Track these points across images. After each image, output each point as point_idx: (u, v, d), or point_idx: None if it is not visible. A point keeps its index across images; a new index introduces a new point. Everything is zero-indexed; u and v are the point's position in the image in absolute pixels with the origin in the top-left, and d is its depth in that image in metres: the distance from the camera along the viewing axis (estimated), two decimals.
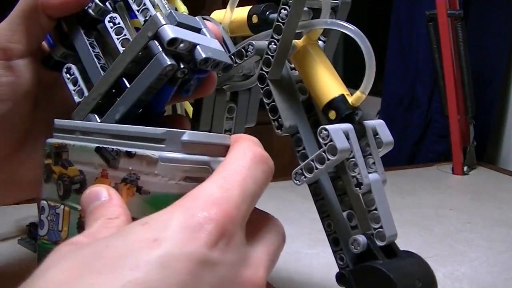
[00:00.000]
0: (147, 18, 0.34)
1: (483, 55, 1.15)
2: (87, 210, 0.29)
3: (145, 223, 0.24)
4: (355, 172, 0.38)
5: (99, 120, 0.35)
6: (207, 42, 0.35)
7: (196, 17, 0.37)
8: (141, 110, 0.35)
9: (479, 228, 0.71)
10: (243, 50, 0.42)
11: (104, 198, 0.29)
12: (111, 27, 0.36)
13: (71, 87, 0.37)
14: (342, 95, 0.40)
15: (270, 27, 0.41)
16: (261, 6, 0.44)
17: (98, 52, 0.37)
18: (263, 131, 0.62)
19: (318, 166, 0.39)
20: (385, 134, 0.40)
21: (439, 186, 0.93)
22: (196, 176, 0.29)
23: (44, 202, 0.34)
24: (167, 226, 0.24)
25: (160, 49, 0.32)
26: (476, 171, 1.02)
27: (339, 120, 0.39)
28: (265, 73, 0.41)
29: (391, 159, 0.52)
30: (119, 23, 0.36)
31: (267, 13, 0.44)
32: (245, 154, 0.28)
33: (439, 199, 0.84)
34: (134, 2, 0.36)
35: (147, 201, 0.30)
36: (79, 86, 0.37)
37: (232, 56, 0.43)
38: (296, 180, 0.41)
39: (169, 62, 0.32)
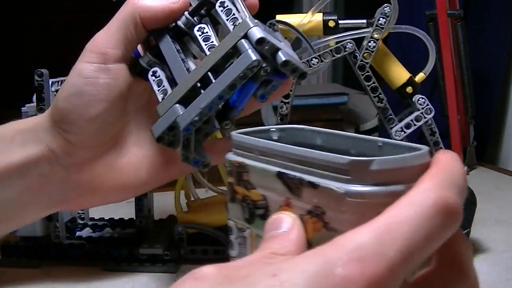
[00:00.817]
0: (236, 24, 0.38)
1: (483, 55, 1.15)
2: (264, 237, 0.26)
3: (274, 275, 0.20)
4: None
5: (180, 112, 0.37)
6: (288, 50, 0.38)
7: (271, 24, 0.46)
8: (222, 104, 0.38)
9: (479, 228, 0.71)
10: (341, 47, 0.60)
11: (285, 229, 0.26)
12: (200, 35, 0.40)
13: (155, 87, 0.40)
14: (412, 77, 0.62)
15: (341, 31, 0.60)
16: (332, 13, 0.62)
17: (184, 58, 0.40)
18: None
19: (416, 123, 0.60)
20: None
21: None
22: None
23: (231, 222, 0.31)
24: (297, 283, 0.20)
25: (249, 47, 0.36)
26: (476, 171, 1.02)
27: (415, 93, 0.61)
28: (365, 63, 0.60)
29: None
30: (207, 32, 0.40)
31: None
32: (427, 197, 0.22)
33: None
34: (223, 12, 0.39)
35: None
36: (163, 86, 0.40)
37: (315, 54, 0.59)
38: (396, 136, 0.60)
39: (256, 58, 0.35)
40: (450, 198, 0.22)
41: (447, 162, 0.24)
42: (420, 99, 0.61)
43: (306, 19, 0.61)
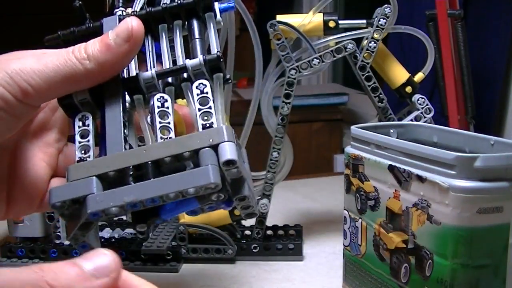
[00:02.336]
0: (207, 123, 0.32)
1: (483, 55, 1.15)
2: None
3: None
4: None
5: (94, 191, 0.30)
6: (250, 181, 0.33)
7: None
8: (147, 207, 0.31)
9: None
10: (342, 47, 0.60)
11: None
12: (158, 107, 0.33)
13: (78, 138, 0.34)
14: (411, 77, 0.62)
15: (341, 31, 0.61)
16: (333, 14, 0.61)
17: (126, 121, 0.34)
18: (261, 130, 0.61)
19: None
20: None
21: None
22: (493, 206, 0.26)
23: (346, 212, 0.34)
24: None
25: (212, 162, 0.30)
26: None
27: (414, 92, 0.61)
28: (366, 64, 0.60)
29: None
30: (167, 108, 0.33)
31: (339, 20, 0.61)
32: None
33: None
34: (198, 97, 0.33)
35: (437, 232, 0.28)
36: (87, 140, 0.33)
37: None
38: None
39: (216, 181, 0.29)
40: None
41: None
42: (420, 99, 0.61)
43: (307, 20, 0.61)
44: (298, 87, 0.63)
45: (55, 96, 0.34)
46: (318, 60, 0.60)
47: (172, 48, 0.37)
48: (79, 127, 0.34)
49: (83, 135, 0.34)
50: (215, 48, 0.36)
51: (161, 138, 0.32)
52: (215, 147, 0.30)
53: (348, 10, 1.94)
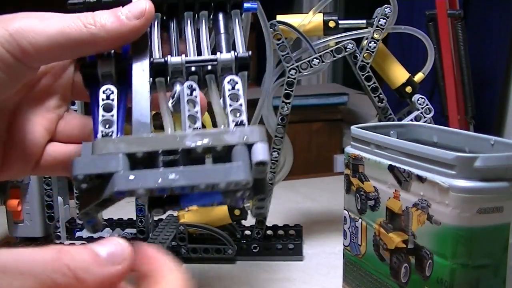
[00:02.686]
0: (237, 118, 0.32)
1: (483, 55, 1.15)
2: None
3: None
4: None
5: (121, 170, 0.29)
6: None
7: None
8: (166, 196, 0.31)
9: None
10: (342, 47, 0.60)
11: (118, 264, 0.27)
12: (188, 95, 0.33)
13: (101, 111, 0.32)
14: (411, 77, 0.62)
15: (341, 31, 0.61)
16: (333, 14, 0.62)
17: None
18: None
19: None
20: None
21: None
22: (493, 206, 0.27)
23: (346, 212, 0.34)
24: None
25: (245, 160, 0.29)
26: None
27: (414, 92, 0.62)
28: (366, 64, 0.60)
29: None
30: (195, 97, 0.33)
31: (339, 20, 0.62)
32: None
33: None
34: (229, 92, 0.33)
35: (437, 232, 0.28)
36: (112, 115, 0.32)
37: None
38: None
39: (248, 178, 0.29)
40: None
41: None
42: (420, 99, 0.61)
43: (307, 20, 0.61)
44: (298, 87, 0.63)
45: (55, 59, 0.34)
46: (318, 60, 0.60)
47: (180, 35, 0.37)
48: (103, 99, 0.33)
49: (107, 109, 0.32)
50: (240, 46, 0.36)
51: (189, 127, 0.32)
52: (248, 146, 0.30)
53: (348, 10, 1.94)
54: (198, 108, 0.32)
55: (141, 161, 0.30)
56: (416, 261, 0.36)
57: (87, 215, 0.31)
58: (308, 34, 0.61)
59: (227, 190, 0.29)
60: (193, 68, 0.35)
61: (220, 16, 0.37)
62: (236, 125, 0.32)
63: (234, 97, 0.33)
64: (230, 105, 0.32)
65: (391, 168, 0.31)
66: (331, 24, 0.61)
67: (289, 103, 0.61)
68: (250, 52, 0.35)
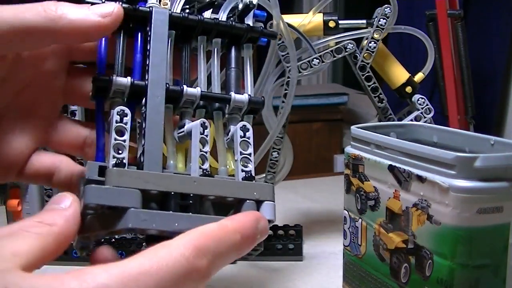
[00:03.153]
0: (246, 167, 0.32)
1: (483, 55, 1.15)
2: (44, 208, 0.28)
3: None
4: None
5: (137, 205, 0.29)
6: None
7: None
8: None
9: None
10: (342, 47, 0.61)
11: (62, 205, 0.28)
12: (200, 133, 0.32)
13: (113, 134, 0.31)
14: (411, 77, 0.63)
15: (341, 31, 0.61)
16: (333, 14, 0.62)
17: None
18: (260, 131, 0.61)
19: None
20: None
21: None
22: (493, 206, 0.27)
23: (346, 212, 0.34)
24: None
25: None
26: None
27: (414, 92, 0.62)
28: (366, 64, 0.60)
29: None
30: (207, 136, 0.33)
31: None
32: (181, 257, 0.25)
33: None
34: (241, 140, 0.33)
35: (437, 232, 0.28)
36: (124, 140, 0.31)
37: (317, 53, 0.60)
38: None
39: None
40: (201, 264, 0.25)
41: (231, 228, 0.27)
42: (420, 99, 0.61)
43: (307, 20, 0.61)
44: (298, 87, 0.63)
45: (12, 47, 0.31)
46: (318, 60, 0.60)
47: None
48: (116, 121, 0.31)
49: (119, 133, 0.31)
50: (249, 88, 0.36)
51: (199, 168, 0.32)
52: (257, 202, 0.31)
53: (348, 10, 1.94)
54: (208, 148, 0.32)
55: (153, 199, 0.30)
56: (416, 261, 0.36)
57: (84, 238, 0.31)
58: (308, 34, 0.61)
59: None
60: (201, 102, 0.34)
61: (233, 49, 0.36)
62: (245, 176, 0.32)
63: (245, 145, 0.33)
64: (241, 153, 0.32)
65: (391, 168, 0.31)
66: (331, 24, 0.62)
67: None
68: (263, 98, 0.35)
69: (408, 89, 0.63)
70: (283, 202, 0.82)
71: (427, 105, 0.62)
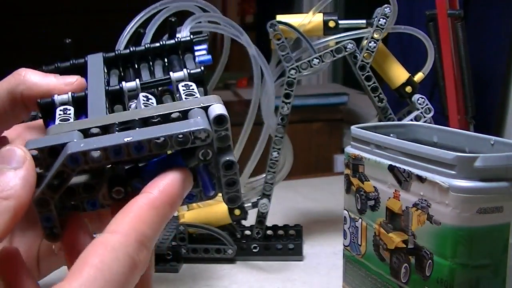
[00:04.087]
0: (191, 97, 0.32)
1: (483, 55, 1.15)
2: None
3: None
4: None
5: (75, 139, 0.28)
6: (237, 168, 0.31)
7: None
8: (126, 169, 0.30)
9: None
10: (342, 47, 0.60)
11: (14, 165, 0.25)
12: (143, 101, 0.32)
13: (57, 122, 0.32)
14: (411, 76, 0.63)
15: (341, 31, 0.61)
16: (333, 14, 0.62)
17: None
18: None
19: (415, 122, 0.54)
20: None
21: None
22: (493, 206, 0.27)
23: (346, 212, 0.35)
24: None
25: (203, 117, 0.28)
26: None
27: (414, 92, 0.62)
28: (366, 63, 0.60)
29: None
30: (152, 103, 0.32)
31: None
32: (125, 247, 0.25)
33: None
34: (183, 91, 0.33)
35: (437, 232, 0.29)
36: (68, 119, 0.32)
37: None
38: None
39: (207, 127, 0.27)
40: (143, 256, 0.25)
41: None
42: (420, 98, 0.61)
43: (307, 20, 0.61)
44: (298, 87, 0.63)
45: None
46: (318, 60, 0.60)
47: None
48: (60, 115, 0.32)
49: (64, 120, 0.32)
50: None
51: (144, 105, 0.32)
52: (205, 108, 0.29)
53: (348, 10, 1.94)
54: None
55: (97, 136, 0.29)
56: (416, 261, 0.36)
57: (42, 203, 0.27)
58: (308, 34, 0.61)
59: (186, 151, 0.28)
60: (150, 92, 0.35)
61: (174, 57, 0.37)
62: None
63: (190, 94, 0.32)
64: (184, 89, 0.32)
65: (391, 168, 0.31)
66: (331, 24, 0.62)
67: (289, 103, 0.61)
68: (203, 68, 0.35)
69: (408, 89, 0.63)
70: (283, 202, 0.82)
71: (427, 105, 0.62)
